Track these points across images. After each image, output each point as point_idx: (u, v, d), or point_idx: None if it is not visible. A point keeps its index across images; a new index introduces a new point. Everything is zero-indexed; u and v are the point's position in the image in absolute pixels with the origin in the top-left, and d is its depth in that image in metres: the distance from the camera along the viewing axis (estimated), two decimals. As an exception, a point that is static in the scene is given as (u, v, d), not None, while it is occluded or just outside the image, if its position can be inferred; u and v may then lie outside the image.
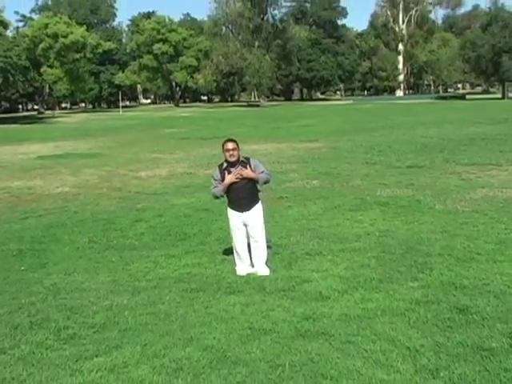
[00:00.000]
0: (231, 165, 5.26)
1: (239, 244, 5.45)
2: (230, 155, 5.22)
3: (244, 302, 4.75)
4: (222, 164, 5.38)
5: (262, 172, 5.36)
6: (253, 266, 5.49)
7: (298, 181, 11.43)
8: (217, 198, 5.51)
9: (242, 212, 5.33)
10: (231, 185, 5.28)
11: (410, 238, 6.61)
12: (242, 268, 5.47)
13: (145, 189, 11.30)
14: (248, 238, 5.49)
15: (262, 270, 5.42)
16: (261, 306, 4.66)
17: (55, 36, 53.58)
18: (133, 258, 6.35)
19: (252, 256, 5.49)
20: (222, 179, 5.30)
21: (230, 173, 5.28)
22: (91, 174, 13.62)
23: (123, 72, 70.94)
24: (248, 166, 5.28)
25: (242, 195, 5.31)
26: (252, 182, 5.30)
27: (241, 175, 5.25)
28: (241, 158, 5.29)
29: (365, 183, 10.83)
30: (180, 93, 78.99)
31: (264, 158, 15.31)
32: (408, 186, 10.28)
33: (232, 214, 5.45)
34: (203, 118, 38.72)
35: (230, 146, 5.23)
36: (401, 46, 77.13)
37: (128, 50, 73.52)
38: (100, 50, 61.44)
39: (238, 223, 5.40)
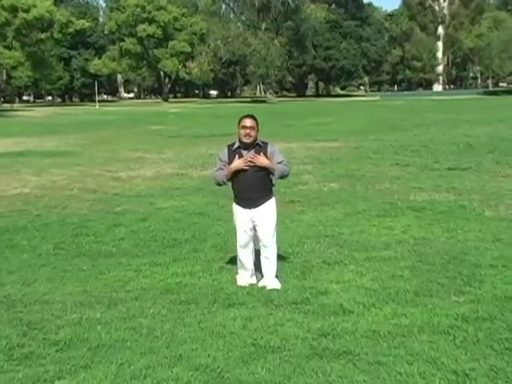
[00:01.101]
0: (244, 146, 5.16)
1: (243, 249, 5.38)
2: (246, 134, 5.12)
3: (246, 316, 4.74)
4: (232, 144, 5.28)
5: (280, 162, 5.27)
6: (257, 276, 5.42)
7: (313, 183, 11.52)
8: (218, 184, 5.42)
9: (250, 209, 5.24)
10: (238, 172, 5.14)
11: (452, 247, 6.65)
12: (244, 277, 5.43)
13: (125, 191, 11.36)
14: (255, 242, 5.42)
15: (272, 284, 5.39)
16: (267, 321, 4.65)
17: (13, 9, 48.07)
18: (109, 266, 6.37)
19: (261, 265, 5.42)
20: (230, 162, 5.19)
21: (240, 156, 5.15)
22: (59, 174, 13.75)
23: (100, 58, 71.31)
24: (263, 153, 5.18)
25: (251, 187, 5.19)
26: (265, 173, 5.20)
27: (252, 162, 5.11)
28: (257, 141, 5.23)
29: (395, 186, 10.92)
30: (169, 85, 79.70)
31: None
32: (449, 190, 10.35)
33: (237, 211, 5.32)
34: (197, 115, 39.03)
35: (249, 122, 5.16)
36: (441, 30, 76.67)
37: (106, 31, 73.74)
38: (71, 30, 61.34)
39: (244, 222, 5.29)
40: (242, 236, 5.34)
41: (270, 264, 5.40)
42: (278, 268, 5.58)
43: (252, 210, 5.23)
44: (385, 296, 5.09)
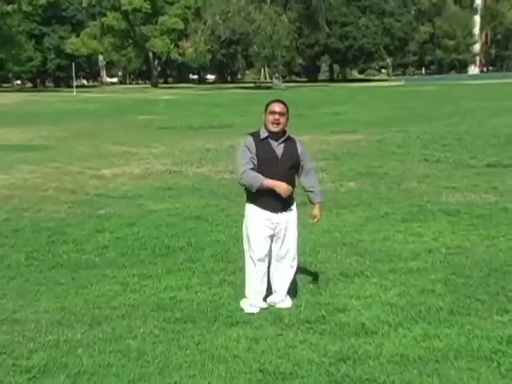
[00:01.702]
0: (274, 136, 5.15)
1: (261, 263, 5.25)
2: (275, 121, 5.07)
3: (252, 337, 4.75)
4: (256, 133, 5.22)
5: (311, 172, 5.37)
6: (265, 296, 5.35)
7: (328, 182, 11.54)
8: (248, 187, 5.18)
9: (277, 213, 5.21)
10: (267, 167, 5.03)
11: (493, 257, 6.65)
12: (257, 302, 5.28)
13: (109, 191, 11.39)
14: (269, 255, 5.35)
15: (285, 302, 5.39)
16: (276, 342, 4.66)
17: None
18: (91, 278, 6.38)
19: (274, 279, 5.40)
20: (258, 155, 5.05)
21: (270, 150, 5.07)
22: (31, 171, 13.79)
23: (77, 36, 71.40)
24: (293, 151, 5.18)
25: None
26: (295, 169, 5.26)
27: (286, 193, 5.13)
28: (288, 134, 5.21)
29: (424, 186, 10.93)
30: (160, 68, 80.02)
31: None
32: (488, 191, 10.36)
33: (259, 215, 5.16)
34: (193, 103, 39.11)
35: (278, 107, 5.12)
36: (478, 1, 76.30)
37: (84, 4, 73.72)
38: (43, 1, 61.36)
39: (267, 229, 5.21)
40: (263, 246, 5.21)
41: (286, 279, 5.40)
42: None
43: (279, 214, 5.20)
44: (414, 314, 5.09)
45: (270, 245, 5.27)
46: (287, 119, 5.17)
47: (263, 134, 5.13)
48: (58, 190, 11.55)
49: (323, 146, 16.95)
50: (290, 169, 5.19)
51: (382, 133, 19.65)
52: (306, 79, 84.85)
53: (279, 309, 5.31)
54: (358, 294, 5.61)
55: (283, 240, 5.27)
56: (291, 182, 5.22)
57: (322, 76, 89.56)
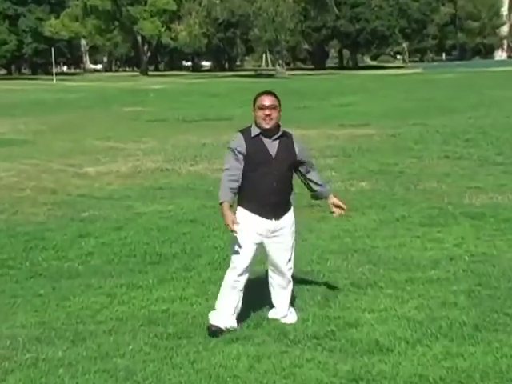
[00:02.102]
0: (266, 133, 5.12)
1: (241, 276, 5.19)
2: (266, 117, 5.03)
3: (254, 354, 4.74)
4: (247, 130, 5.19)
5: (312, 167, 5.36)
6: (236, 317, 5.24)
7: (337, 182, 11.56)
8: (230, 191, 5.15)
9: (271, 219, 5.17)
10: (260, 167, 5.03)
11: (522, 266, 6.65)
12: (225, 317, 5.18)
13: (93, 191, 11.40)
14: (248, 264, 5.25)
15: (289, 317, 5.39)
16: (281, 361, 4.65)
17: None
18: (74, 289, 6.37)
19: (272, 294, 5.39)
20: (249, 155, 5.03)
21: (262, 148, 5.04)
22: (6, 169, 13.82)
23: (57, 17, 71.32)
24: (289, 148, 5.14)
25: (278, 188, 5.13)
26: (292, 170, 5.25)
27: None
28: (282, 129, 5.15)
29: (444, 186, 10.94)
30: (149, 54, 79.97)
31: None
32: (516, 191, 10.37)
33: (249, 221, 5.13)
34: (186, 93, 39.11)
35: (268, 100, 5.07)
36: (506, -23, 76.00)
37: (65, -19, 73.96)
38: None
39: (256, 238, 5.16)
40: (246, 257, 5.15)
41: (285, 293, 5.40)
42: (292, 293, 5.58)
43: (272, 220, 5.16)
44: (434, 330, 5.08)
45: (254, 256, 5.20)
46: (279, 112, 5.12)
47: (254, 131, 5.09)
48: (37, 189, 11.56)
49: (331, 142, 16.94)
50: (287, 169, 5.17)
51: (397, 126, 19.63)
52: (312, 66, 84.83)
53: (283, 323, 5.32)
54: (371, 307, 5.60)
55: (277, 249, 5.24)
56: (287, 184, 5.22)
57: (330, 63, 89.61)
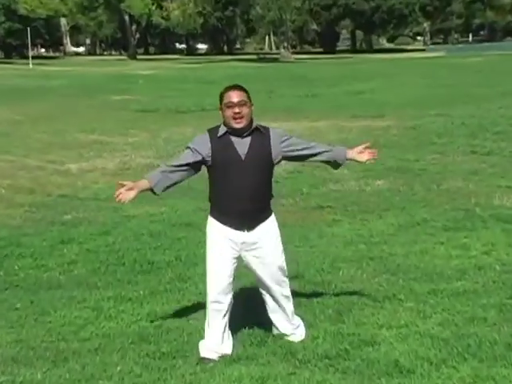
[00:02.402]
0: (236, 133, 5.03)
1: (222, 296, 5.11)
2: (236, 116, 4.95)
3: (258, 376, 4.73)
4: (214, 129, 5.13)
5: (309, 148, 5.22)
6: (228, 345, 5.20)
7: (351, 181, 11.60)
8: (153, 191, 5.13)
9: (243, 230, 5.08)
10: (228, 166, 4.99)
11: (560, 276, 6.63)
12: (213, 345, 5.14)
13: (77, 191, 11.42)
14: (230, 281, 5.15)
15: (296, 335, 5.36)
16: (288, 383, 4.63)
17: None
18: (55, 302, 6.37)
19: (271, 315, 5.35)
20: (215, 156, 5.00)
21: (231, 148, 4.99)
22: (-22, 165, 13.86)
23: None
24: (265, 144, 5.01)
25: (250, 193, 5.01)
26: (270, 170, 5.11)
27: None
28: (254, 124, 5.03)
29: (471, 186, 10.95)
30: (138, 35, 79.99)
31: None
32: (553, 191, 10.37)
33: (219, 234, 5.08)
34: (180, 79, 39.16)
35: (236, 97, 4.99)
36: None
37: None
38: None
39: (229, 253, 5.08)
40: (222, 275, 5.08)
41: (287, 309, 5.33)
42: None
43: (245, 232, 5.05)
44: (461, 349, 5.05)
45: (232, 272, 5.11)
46: (251, 107, 5.02)
47: (221, 130, 5.03)
48: (12, 189, 11.57)
49: (343, 135, 16.97)
50: (261, 171, 5.03)
51: (418, 117, 19.64)
52: (321, 50, 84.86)
53: (291, 341, 5.31)
54: (389, 323, 5.58)
55: (258, 264, 5.13)
56: (262, 190, 5.07)
57: (341, 45, 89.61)
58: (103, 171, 13.06)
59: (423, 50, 75.21)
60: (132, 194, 5.02)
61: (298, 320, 5.45)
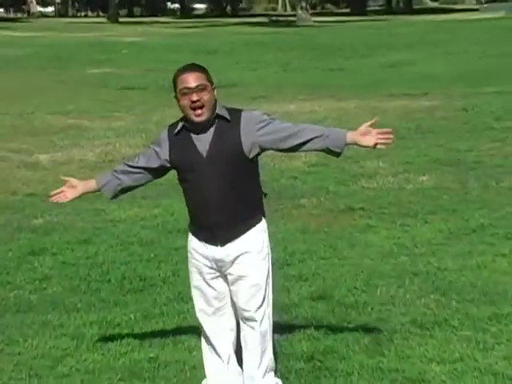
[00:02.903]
0: (195, 127, 4.95)
1: (209, 317, 5.18)
2: (194, 105, 4.84)
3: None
4: (175, 124, 5.09)
5: (295, 135, 4.96)
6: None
7: (387, 176, 11.60)
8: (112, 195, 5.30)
9: (216, 245, 5.05)
10: (190, 167, 4.94)
11: None
12: (215, 365, 5.23)
13: (49, 188, 11.06)
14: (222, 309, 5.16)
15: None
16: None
17: None
18: (25, 329, 6.38)
19: (243, 355, 5.20)
20: (172, 157, 4.99)
21: (190, 146, 4.93)
22: None
23: None
24: (233, 133, 4.90)
25: (218, 201, 4.94)
26: (242, 167, 4.97)
27: None
28: (216, 111, 4.94)
29: (540, 183, 10.94)
30: (121, -7, 79.86)
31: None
32: None
33: (195, 250, 5.14)
34: (173, 48, 39.04)
35: (192, 80, 4.85)
36: None
37: None
38: None
39: (206, 273, 5.10)
40: (204, 301, 5.16)
41: (255, 353, 5.11)
42: (273, 366, 5.22)
43: (218, 247, 5.02)
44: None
45: (218, 298, 5.12)
46: (213, 91, 4.93)
47: (179, 125, 5.00)
48: (-32, 186, 11.63)
49: (376, 118, 16.90)
50: (231, 170, 4.92)
51: (471, 95, 19.56)
52: (348, 10, 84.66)
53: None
54: (440, 356, 5.55)
55: (236, 286, 5.06)
56: (236, 193, 4.95)
57: (373, 5, 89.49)
58: (81, 164, 13.05)
59: (476, 10, 74.84)
60: (74, 192, 5.21)
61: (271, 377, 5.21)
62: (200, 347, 5.81)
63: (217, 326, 5.17)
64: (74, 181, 5.23)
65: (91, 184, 5.25)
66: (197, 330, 6.13)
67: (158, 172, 5.14)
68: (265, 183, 11.33)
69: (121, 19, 74.50)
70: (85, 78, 27.45)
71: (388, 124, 15.75)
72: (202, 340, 5.28)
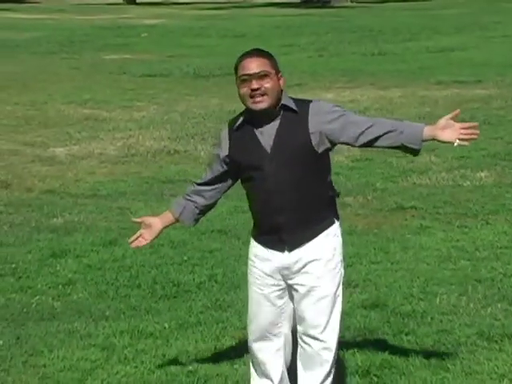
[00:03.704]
0: (257, 117, 4.94)
1: (262, 342, 5.13)
2: (254, 93, 4.84)
3: None
4: (235, 118, 5.12)
5: (366, 130, 4.89)
6: None
7: (441, 172, 11.59)
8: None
9: (283, 251, 5.03)
10: (251, 176, 4.95)
11: None
12: None
13: (67, 184, 11.46)
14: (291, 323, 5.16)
15: None
16: None
17: None
18: (49, 338, 6.41)
19: (303, 374, 5.15)
20: (232, 155, 5.01)
21: (248, 139, 4.93)
22: None
23: None
24: (301, 126, 4.88)
25: (286, 203, 4.94)
26: (317, 166, 4.96)
27: None
28: (282, 101, 4.94)
29: None
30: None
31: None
32: None
33: (257, 259, 5.12)
34: (198, 32, 39.02)
35: (253, 66, 4.86)
36: None
37: None
38: None
39: (265, 285, 5.05)
40: (262, 313, 5.09)
41: (315, 374, 5.10)
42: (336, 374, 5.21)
43: (285, 253, 5.00)
44: None
45: (277, 313, 5.07)
46: (279, 79, 4.94)
47: (240, 119, 5.00)
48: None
49: (426, 108, 16.85)
50: (299, 166, 4.89)
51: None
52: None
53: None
54: (513, 372, 5.56)
55: (303, 298, 5.01)
56: (306, 191, 4.93)
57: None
58: (101, 158, 13.03)
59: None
60: (152, 233, 5.22)
61: None
62: (244, 360, 5.85)
63: (272, 349, 5.11)
64: (148, 219, 5.25)
65: (167, 217, 5.26)
66: (240, 342, 6.20)
67: (231, 176, 5.10)
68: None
69: (138, 0, 74.75)
70: (101, 64, 27.41)
71: (438, 114, 15.80)
72: (251, 361, 5.22)
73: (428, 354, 5.86)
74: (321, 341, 4.97)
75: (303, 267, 4.95)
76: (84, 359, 6.02)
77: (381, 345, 6.01)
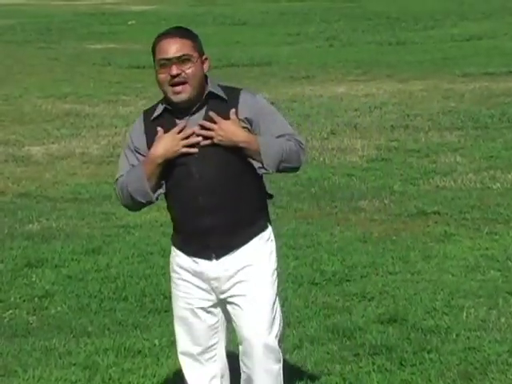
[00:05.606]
0: (179, 110, 4.90)
1: (193, 361, 5.15)
2: (173, 81, 4.75)
3: None
4: (151, 110, 5.04)
5: (282, 136, 4.91)
6: None
7: (467, 173, 11.62)
8: (135, 204, 5.28)
9: (211, 259, 4.99)
10: (174, 169, 4.90)
11: None
12: None
13: (45, 186, 11.54)
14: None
15: None
16: None
17: None
18: (24, 357, 6.43)
19: None
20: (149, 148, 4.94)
21: (165, 131, 4.86)
22: None
23: None
24: (233, 112, 4.82)
25: (212, 205, 4.94)
26: (241, 163, 4.89)
27: (208, 134, 4.75)
28: (209, 88, 4.89)
29: None
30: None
31: (363, 119, 15.52)
32: None
33: (182, 267, 5.09)
34: (191, 19, 39.08)
35: (173, 49, 4.77)
36: None
37: None
38: None
39: (195, 298, 5.02)
40: (191, 333, 5.10)
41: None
42: None
43: (213, 262, 4.96)
44: None
45: (208, 329, 5.06)
46: (202, 62, 4.84)
47: (158, 109, 4.94)
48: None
49: (450, 103, 16.91)
50: (227, 162, 4.87)
51: None
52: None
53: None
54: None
55: (238, 306, 4.98)
56: (232, 190, 4.89)
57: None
58: (83, 158, 13.11)
59: None
60: None
61: None
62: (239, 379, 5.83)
63: (203, 372, 5.12)
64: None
65: None
66: (236, 359, 6.17)
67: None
68: (312, 181, 11.51)
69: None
70: (83, 54, 27.45)
71: (464, 109, 16.02)
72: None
73: (454, 374, 5.88)
74: (261, 357, 4.95)
75: (234, 275, 4.91)
76: (63, 380, 6.01)
77: (400, 363, 6.02)
